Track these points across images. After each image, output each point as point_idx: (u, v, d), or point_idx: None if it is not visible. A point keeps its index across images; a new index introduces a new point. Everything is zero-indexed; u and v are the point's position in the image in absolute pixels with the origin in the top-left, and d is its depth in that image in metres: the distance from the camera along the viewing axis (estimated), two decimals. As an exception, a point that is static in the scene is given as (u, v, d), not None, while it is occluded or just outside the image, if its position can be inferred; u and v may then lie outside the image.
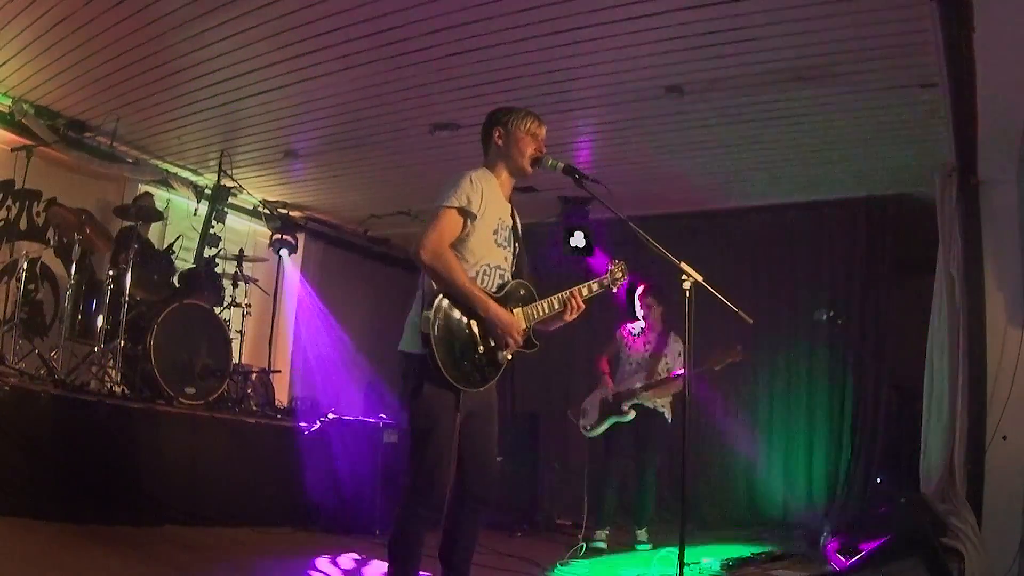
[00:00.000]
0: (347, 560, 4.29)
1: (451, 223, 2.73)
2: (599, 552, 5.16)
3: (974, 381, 4.96)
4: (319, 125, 5.86)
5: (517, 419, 6.53)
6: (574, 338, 6.96)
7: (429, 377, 2.67)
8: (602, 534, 5.37)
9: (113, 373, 5.21)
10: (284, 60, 4.82)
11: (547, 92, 4.99)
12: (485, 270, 2.82)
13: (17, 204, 5.98)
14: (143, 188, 6.66)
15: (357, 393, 7.82)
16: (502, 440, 3.07)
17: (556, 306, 2.94)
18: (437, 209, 2.73)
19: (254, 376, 6.74)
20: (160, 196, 6.70)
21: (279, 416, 6.05)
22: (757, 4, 3.92)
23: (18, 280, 5.28)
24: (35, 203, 6.11)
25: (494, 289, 2.84)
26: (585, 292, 3.02)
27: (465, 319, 2.73)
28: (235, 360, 6.09)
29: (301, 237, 7.88)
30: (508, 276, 2.91)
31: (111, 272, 5.32)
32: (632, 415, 5.39)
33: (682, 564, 2.96)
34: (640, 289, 5.66)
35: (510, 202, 2.98)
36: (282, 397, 7.15)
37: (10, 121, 5.70)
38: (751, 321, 3.25)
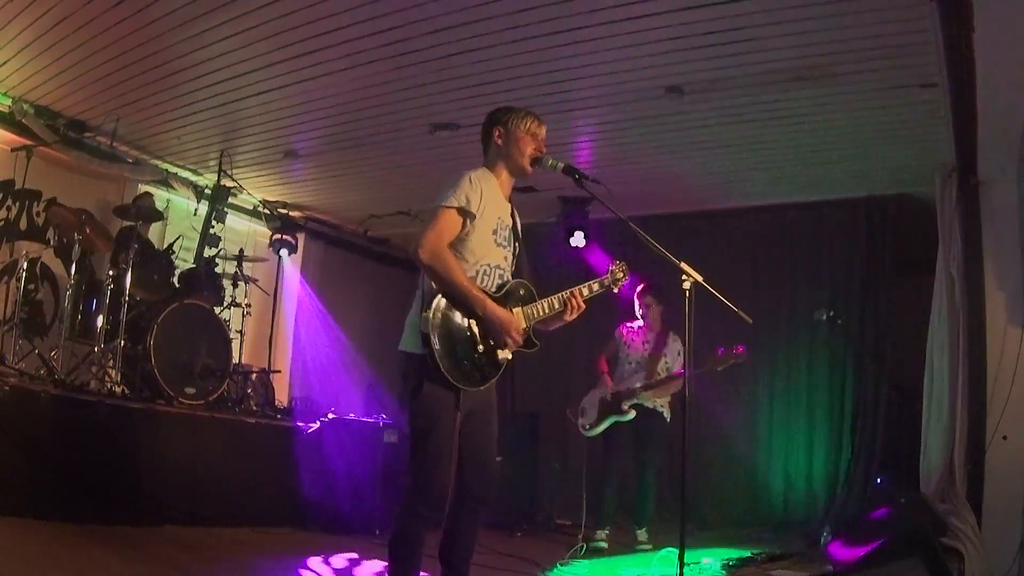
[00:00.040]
0: (347, 560, 4.28)
1: (450, 223, 2.73)
2: (599, 552, 5.15)
3: (974, 381, 4.97)
4: (319, 125, 5.86)
5: (517, 419, 6.54)
6: (574, 338, 6.95)
7: (429, 377, 2.67)
8: (602, 534, 5.36)
9: (113, 373, 5.21)
10: (284, 60, 4.83)
11: (547, 92, 4.99)
12: (485, 270, 2.82)
13: (17, 204, 5.98)
14: (143, 188, 6.67)
15: (357, 393, 7.81)
16: (502, 440, 3.07)
17: (556, 306, 2.94)
18: (436, 209, 2.73)
19: (254, 376, 6.74)
20: (160, 196, 6.70)
21: (279, 416, 6.05)
22: (757, 4, 3.92)
23: (18, 280, 5.28)
24: (35, 203, 6.11)
25: (494, 289, 2.84)
26: (585, 292, 3.02)
27: (465, 319, 2.73)
28: (235, 360, 6.09)
29: (301, 237, 7.88)
30: (508, 276, 2.91)
31: (111, 272, 5.32)
32: (632, 414, 5.39)
33: (682, 564, 2.96)
34: (639, 288, 5.65)
35: (510, 202, 2.98)
36: (282, 397, 7.15)
37: (10, 121, 5.70)
38: (751, 321, 3.25)
